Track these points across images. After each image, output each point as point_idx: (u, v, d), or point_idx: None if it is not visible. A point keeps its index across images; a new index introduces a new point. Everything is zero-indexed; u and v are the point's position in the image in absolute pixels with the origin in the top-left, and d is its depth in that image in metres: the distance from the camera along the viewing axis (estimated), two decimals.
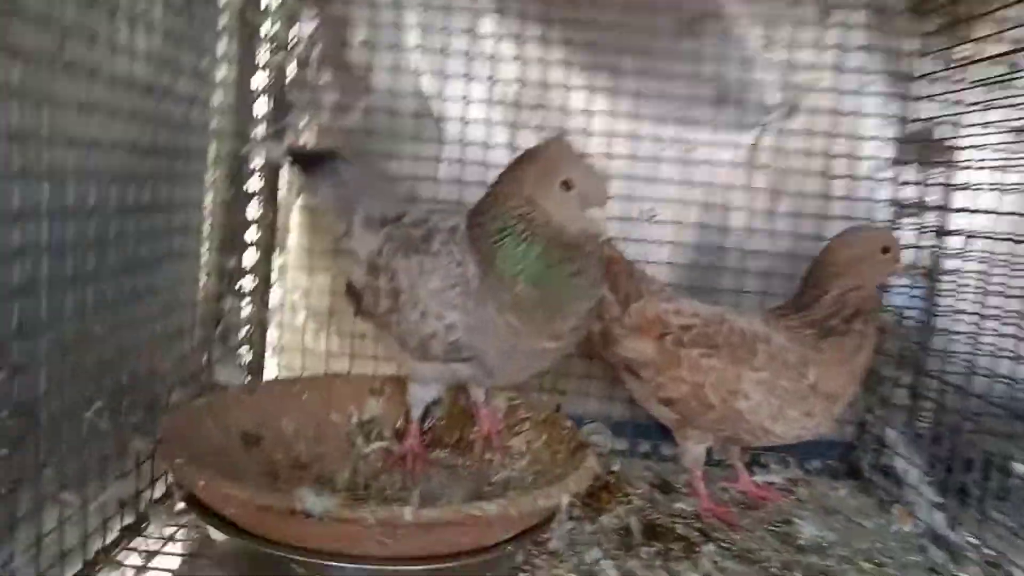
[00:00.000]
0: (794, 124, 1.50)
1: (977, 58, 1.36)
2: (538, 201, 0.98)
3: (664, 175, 1.51)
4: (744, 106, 1.50)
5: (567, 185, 0.97)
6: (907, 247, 1.40)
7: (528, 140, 1.47)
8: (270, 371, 1.53)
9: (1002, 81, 1.32)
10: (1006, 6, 1.25)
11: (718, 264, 1.53)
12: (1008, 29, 1.26)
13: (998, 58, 1.30)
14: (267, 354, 1.52)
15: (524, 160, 1.03)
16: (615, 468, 1.38)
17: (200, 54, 1.22)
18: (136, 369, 1.05)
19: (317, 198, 1.33)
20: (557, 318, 1.00)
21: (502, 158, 1.43)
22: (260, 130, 1.44)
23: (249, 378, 1.46)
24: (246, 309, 1.46)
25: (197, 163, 1.27)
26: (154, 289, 1.11)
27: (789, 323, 1.24)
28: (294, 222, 1.52)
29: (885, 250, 1.23)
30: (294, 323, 1.52)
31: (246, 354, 1.47)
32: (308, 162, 1.30)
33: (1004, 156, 1.30)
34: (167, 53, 1.09)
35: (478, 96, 1.49)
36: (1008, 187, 1.29)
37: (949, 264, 1.42)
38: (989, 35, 1.30)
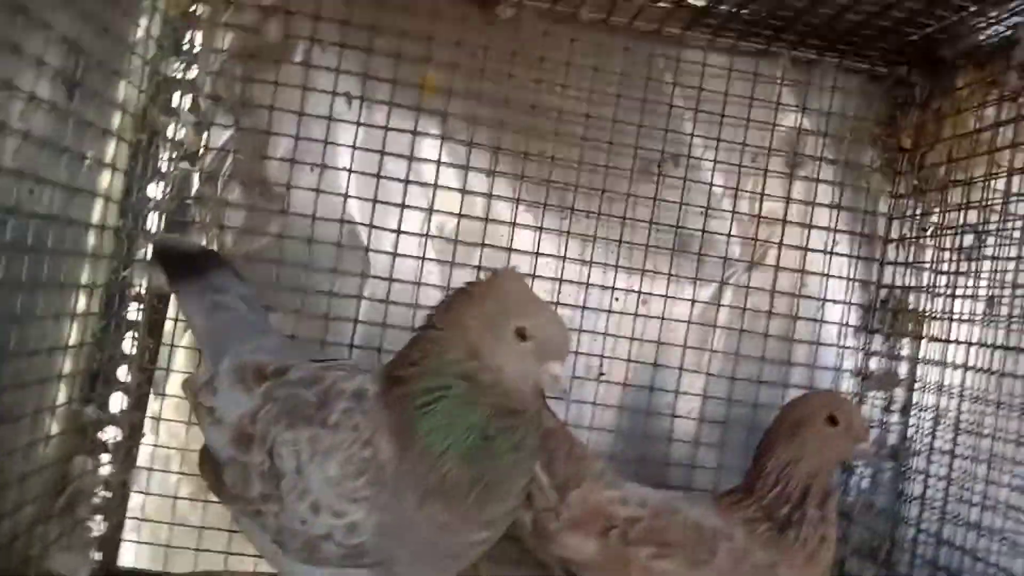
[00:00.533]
0: (756, 281, 1.40)
1: (948, 225, 1.30)
2: (484, 353, 0.80)
3: (613, 328, 1.36)
4: (704, 259, 1.38)
5: (522, 335, 0.80)
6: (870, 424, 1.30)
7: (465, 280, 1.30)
8: (126, 551, 1.24)
9: (973, 249, 1.26)
10: (975, 179, 1.21)
11: (669, 435, 1.37)
12: (977, 202, 1.21)
13: (967, 227, 1.24)
14: (126, 527, 1.24)
15: (466, 299, 0.84)
16: None
17: (75, 158, 1.00)
18: None
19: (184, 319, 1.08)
20: (492, 502, 0.82)
21: (433, 299, 1.26)
22: (147, 252, 1.22)
23: (97, 561, 1.18)
24: (105, 468, 1.19)
25: (61, 295, 1.03)
26: None
27: (745, 514, 1.08)
28: (178, 361, 1.28)
29: (832, 420, 1.07)
30: (165, 487, 1.25)
31: (97, 528, 1.18)
32: (177, 263, 1.05)
33: (978, 326, 1.22)
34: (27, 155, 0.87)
35: (412, 227, 1.32)
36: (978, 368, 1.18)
37: (918, 445, 1.31)
38: (961, 204, 1.24)
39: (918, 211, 1.36)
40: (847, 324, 1.40)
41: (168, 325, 1.26)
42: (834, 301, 1.40)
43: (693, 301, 1.38)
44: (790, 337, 1.39)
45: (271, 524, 0.85)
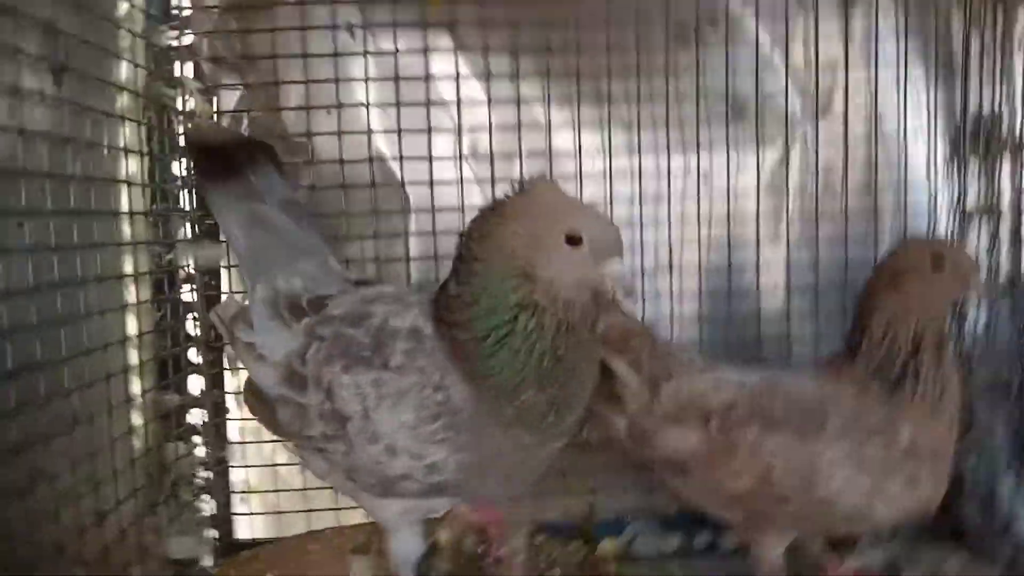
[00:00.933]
0: (825, 134, 1.28)
1: None
2: (537, 272, 0.75)
3: (676, 214, 1.28)
4: (764, 121, 1.27)
5: (573, 239, 0.75)
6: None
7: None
8: (240, 524, 1.26)
9: None
10: None
11: (757, 313, 1.29)
12: None
13: None
14: (233, 502, 1.26)
15: (501, 220, 0.78)
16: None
17: (84, 147, 0.96)
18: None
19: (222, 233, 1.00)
20: (569, 413, 0.80)
21: None
22: (187, 231, 1.20)
23: (214, 540, 1.20)
24: (199, 449, 1.20)
25: (105, 288, 1.01)
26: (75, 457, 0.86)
27: (853, 377, 1.00)
28: None
29: (936, 264, 0.97)
30: (261, 456, 1.25)
31: (208, 507, 1.20)
32: (212, 158, 0.94)
33: None
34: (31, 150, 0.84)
35: (444, 151, 1.25)
36: None
37: None
38: None
39: (999, 14, 1.19)
40: (935, 161, 1.28)
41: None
42: (916, 138, 1.28)
43: (759, 168, 1.27)
44: (872, 187, 1.28)
45: (339, 461, 0.83)
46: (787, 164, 1.28)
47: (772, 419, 0.98)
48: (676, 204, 1.27)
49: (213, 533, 1.22)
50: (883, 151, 1.28)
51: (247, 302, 0.94)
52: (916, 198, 1.28)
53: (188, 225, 1.22)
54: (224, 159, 0.93)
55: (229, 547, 1.23)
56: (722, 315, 1.28)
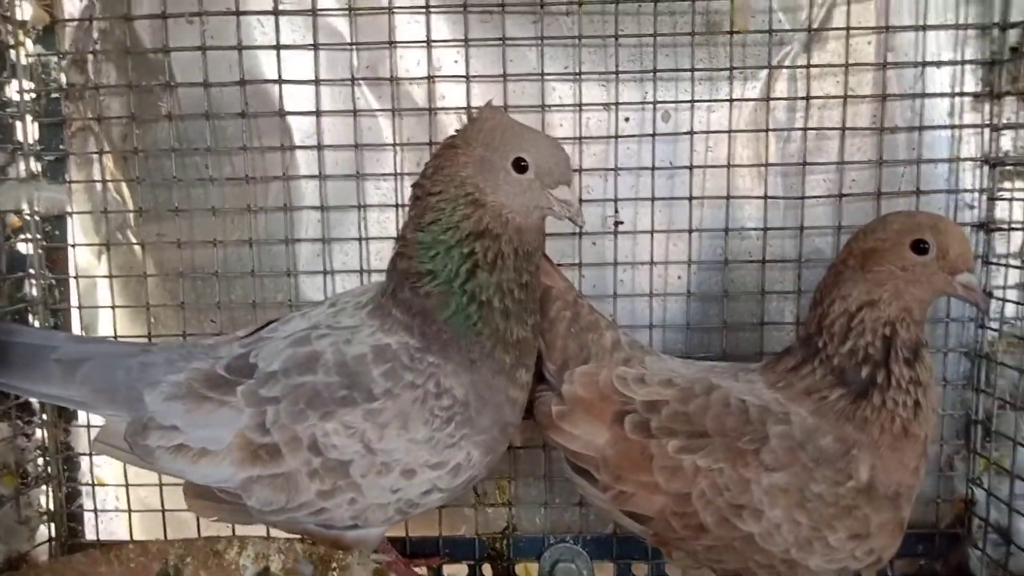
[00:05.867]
0: (820, 56, 1.07)
1: None
2: (488, 198, 0.80)
3: (630, 160, 1.08)
4: (743, 40, 1.06)
5: (520, 165, 0.80)
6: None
7: (415, 128, 1.07)
8: (87, 523, 1.13)
9: None
10: None
11: (724, 284, 1.10)
12: None
13: None
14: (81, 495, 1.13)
15: (453, 148, 0.82)
16: None
17: None
18: None
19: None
20: (529, 356, 0.85)
21: (382, 159, 1.08)
22: (21, 167, 1.04)
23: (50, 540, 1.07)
24: (37, 431, 1.07)
25: None
26: None
27: (807, 383, 0.83)
28: (101, 291, 1.11)
29: (918, 246, 0.78)
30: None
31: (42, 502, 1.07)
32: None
33: None
34: None
35: (336, 72, 1.06)
36: None
37: None
38: None
39: None
40: (962, 92, 1.07)
41: (71, 255, 1.10)
42: (939, 63, 1.06)
43: (732, 101, 1.07)
44: (879, 126, 1.06)
45: (343, 514, 0.83)
46: (769, 95, 1.07)
47: (701, 431, 0.82)
48: (628, 146, 1.07)
49: (50, 531, 1.09)
50: (897, 82, 1.06)
51: (127, 423, 0.85)
52: (934, 145, 1.08)
53: (23, 161, 1.06)
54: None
55: (72, 549, 1.11)
56: (682, 288, 1.10)
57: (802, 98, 1.06)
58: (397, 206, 1.07)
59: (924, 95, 1.05)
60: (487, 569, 1.13)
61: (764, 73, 1.06)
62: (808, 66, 1.05)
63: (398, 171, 1.07)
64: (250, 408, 0.81)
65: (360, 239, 1.08)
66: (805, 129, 1.06)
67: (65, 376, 0.85)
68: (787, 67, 1.06)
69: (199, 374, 0.84)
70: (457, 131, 0.83)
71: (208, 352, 0.87)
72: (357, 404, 0.80)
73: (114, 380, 0.85)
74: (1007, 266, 1.05)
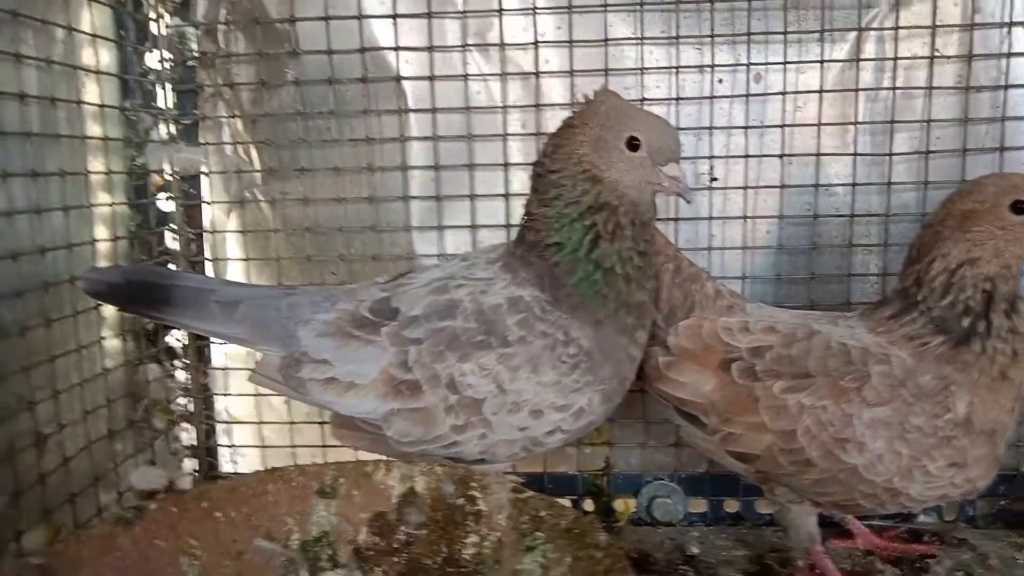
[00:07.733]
0: (908, 18, 1.11)
1: None
2: (603, 174, 0.87)
3: (722, 119, 1.15)
4: (832, 4, 1.11)
5: (632, 144, 0.86)
6: None
7: (521, 92, 1.14)
8: (224, 457, 1.25)
9: None
10: None
11: (814, 240, 1.16)
12: None
13: None
14: (217, 431, 1.24)
15: (571, 128, 0.89)
16: (693, 550, 1.10)
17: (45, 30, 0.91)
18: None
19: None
20: (647, 318, 0.92)
21: (489, 122, 1.15)
22: (162, 130, 1.14)
23: (194, 470, 1.18)
24: (180, 374, 1.18)
25: (67, 185, 0.97)
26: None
27: (909, 329, 0.89)
28: (231, 245, 1.22)
29: (1017, 207, 0.84)
30: (247, 385, 1.22)
31: (186, 438, 1.18)
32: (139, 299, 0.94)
33: None
34: None
35: (450, 38, 1.14)
36: None
37: None
38: None
39: None
40: None
41: (206, 212, 1.21)
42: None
43: (822, 63, 1.12)
44: (965, 85, 1.11)
45: (472, 449, 0.90)
46: (858, 56, 1.12)
47: (804, 372, 0.89)
48: (720, 106, 1.14)
49: (192, 465, 1.21)
50: (983, 41, 1.10)
51: (281, 357, 0.93)
52: (1019, 104, 1.11)
53: (163, 125, 1.16)
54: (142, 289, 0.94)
55: (211, 481, 1.21)
56: (773, 242, 1.17)
57: (890, 59, 1.10)
58: (505, 165, 1.15)
59: (1010, 55, 1.09)
60: (588, 504, 1.22)
61: (852, 35, 1.11)
62: (896, 28, 1.10)
63: (505, 132, 1.15)
64: (394, 347, 0.88)
65: (471, 195, 1.17)
66: (893, 88, 1.11)
67: (225, 315, 0.93)
68: (875, 29, 1.11)
69: (346, 314, 0.91)
70: (574, 112, 0.90)
71: (350, 295, 0.94)
72: (492, 348, 0.87)
73: (267, 318, 0.93)
74: None
